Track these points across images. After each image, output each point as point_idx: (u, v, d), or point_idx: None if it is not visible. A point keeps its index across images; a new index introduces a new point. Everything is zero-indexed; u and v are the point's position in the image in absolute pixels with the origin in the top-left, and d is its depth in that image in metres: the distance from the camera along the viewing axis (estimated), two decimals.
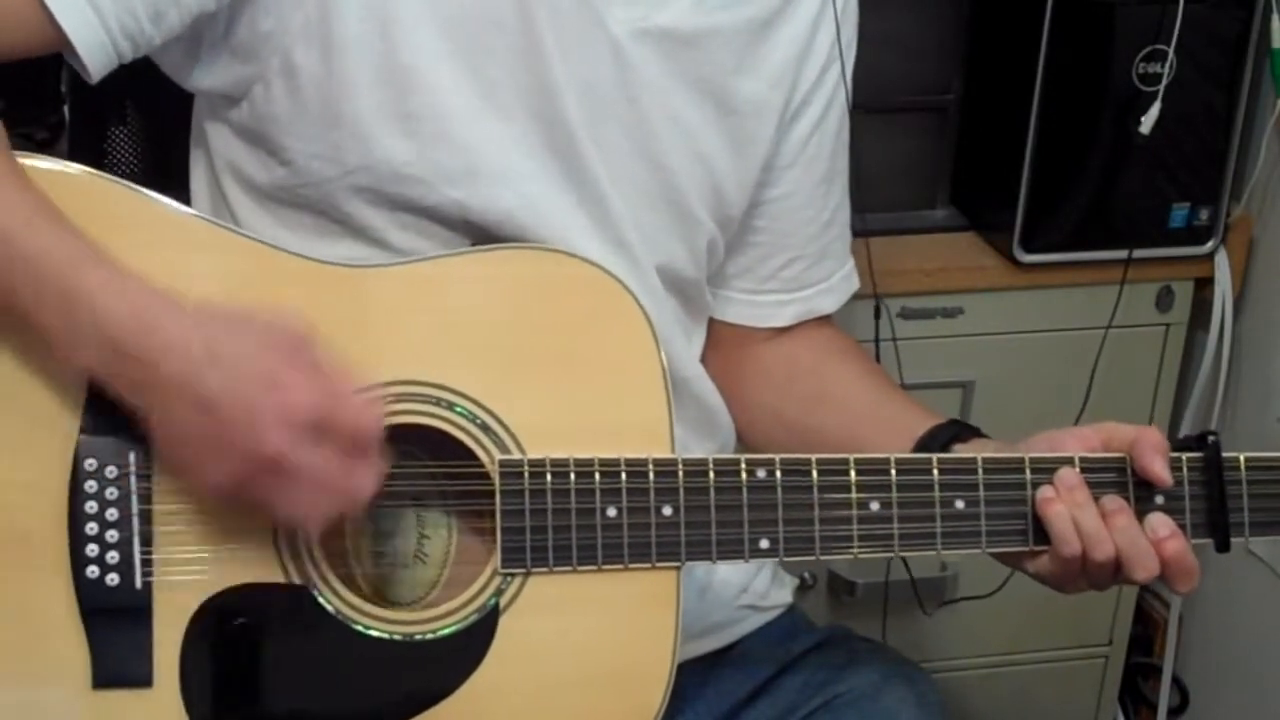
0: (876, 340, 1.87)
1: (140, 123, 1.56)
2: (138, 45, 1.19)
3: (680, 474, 1.20)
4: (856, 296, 1.56)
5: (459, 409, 1.19)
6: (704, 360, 1.47)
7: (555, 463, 1.19)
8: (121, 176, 1.52)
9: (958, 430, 1.33)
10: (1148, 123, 1.86)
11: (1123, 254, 1.96)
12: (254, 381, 1.09)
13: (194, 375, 1.09)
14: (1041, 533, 1.22)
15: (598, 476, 1.19)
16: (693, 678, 1.42)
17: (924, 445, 1.32)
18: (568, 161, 1.28)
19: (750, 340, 1.48)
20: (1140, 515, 1.21)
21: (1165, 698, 2.24)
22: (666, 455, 1.21)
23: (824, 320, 1.50)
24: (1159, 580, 1.22)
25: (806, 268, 1.47)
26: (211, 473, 1.11)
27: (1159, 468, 1.21)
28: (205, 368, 1.09)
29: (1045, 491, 1.22)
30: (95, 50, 1.17)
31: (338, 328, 1.18)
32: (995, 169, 1.99)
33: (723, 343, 1.48)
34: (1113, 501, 1.21)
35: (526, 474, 1.19)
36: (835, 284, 1.50)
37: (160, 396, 1.10)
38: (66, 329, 1.10)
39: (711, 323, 1.48)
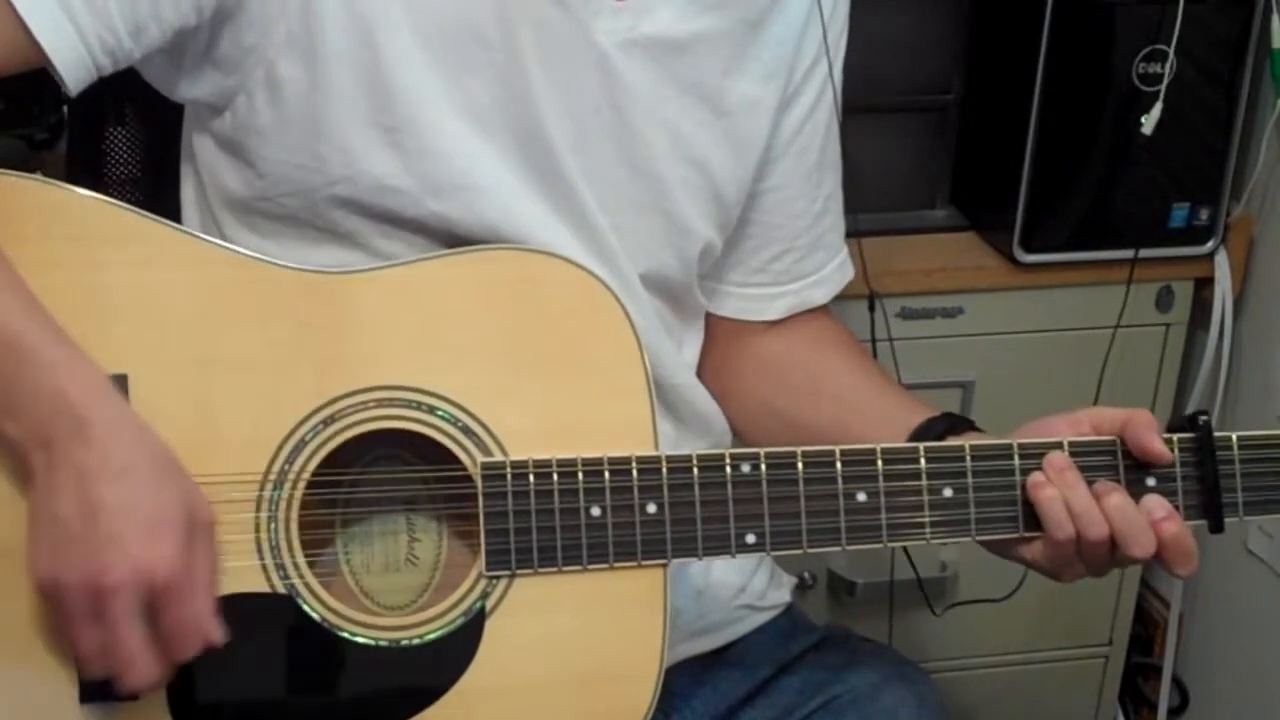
0: (873, 340, 1.87)
1: (139, 124, 1.56)
2: (117, 60, 1.20)
3: (664, 471, 1.19)
4: (850, 294, 1.55)
5: (440, 413, 1.19)
6: (703, 358, 1.47)
7: (538, 464, 1.18)
8: (120, 177, 1.54)
9: (952, 423, 1.32)
10: (1149, 123, 1.86)
11: (1123, 254, 1.97)
12: (141, 520, 1.07)
13: (97, 477, 1.07)
14: (1032, 519, 1.21)
15: (581, 476, 1.18)
16: (690, 677, 1.42)
17: (917, 438, 1.31)
18: (546, 174, 1.27)
19: (745, 334, 1.48)
20: (1134, 499, 1.20)
21: (1165, 698, 2.24)
22: (650, 453, 1.20)
23: (819, 312, 1.50)
24: (1159, 564, 1.21)
25: (797, 260, 1.46)
26: (48, 564, 1.09)
27: (1158, 445, 1.21)
28: (113, 478, 1.07)
29: (1035, 477, 1.21)
30: (73, 66, 1.17)
31: (321, 335, 1.18)
32: (995, 169, 1.99)
33: (720, 338, 1.48)
34: (1104, 485, 1.20)
35: (509, 476, 1.18)
36: (828, 275, 1.49)
37: (59, 477, 1.08)
38: (5, 396, 1.09)
39: (708, 319, 1.47)
